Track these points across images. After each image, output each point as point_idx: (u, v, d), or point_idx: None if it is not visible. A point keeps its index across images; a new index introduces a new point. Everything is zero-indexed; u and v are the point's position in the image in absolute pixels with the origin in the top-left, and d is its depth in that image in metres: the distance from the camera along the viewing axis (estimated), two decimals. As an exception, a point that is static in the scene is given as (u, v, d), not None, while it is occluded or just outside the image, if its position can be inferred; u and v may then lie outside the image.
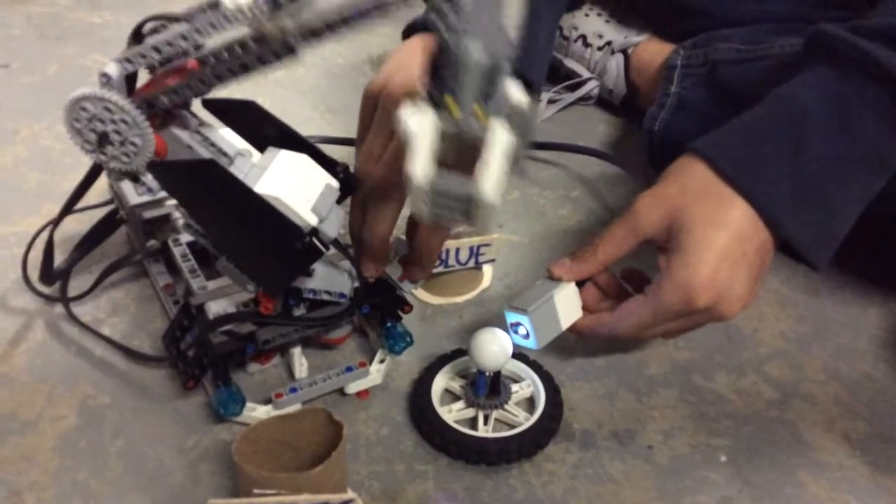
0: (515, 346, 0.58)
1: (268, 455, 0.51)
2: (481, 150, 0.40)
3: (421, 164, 0.40)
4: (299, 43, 0.44)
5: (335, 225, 0.53)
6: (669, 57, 0.83)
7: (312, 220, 0.51)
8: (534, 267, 0.75)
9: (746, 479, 0.57)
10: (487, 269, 0.73)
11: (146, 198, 0.65)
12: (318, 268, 0.57)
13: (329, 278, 0.57)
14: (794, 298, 0.72)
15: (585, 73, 0.96)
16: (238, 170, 0.51)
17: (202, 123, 0.51)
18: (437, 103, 0.41)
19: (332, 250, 0.54)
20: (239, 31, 0.46)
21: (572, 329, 0.60)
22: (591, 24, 0.97)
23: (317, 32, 0.44)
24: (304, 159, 0.53)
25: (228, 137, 0.52)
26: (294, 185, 0.51)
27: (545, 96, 0.96)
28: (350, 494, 0.47)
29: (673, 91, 0.82)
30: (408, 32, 0.70)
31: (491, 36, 0.39)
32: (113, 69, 0.47)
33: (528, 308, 0.56)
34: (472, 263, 0.68)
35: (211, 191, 0.50)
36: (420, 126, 0.40)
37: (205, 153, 0.50)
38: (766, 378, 0.65)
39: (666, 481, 0.56)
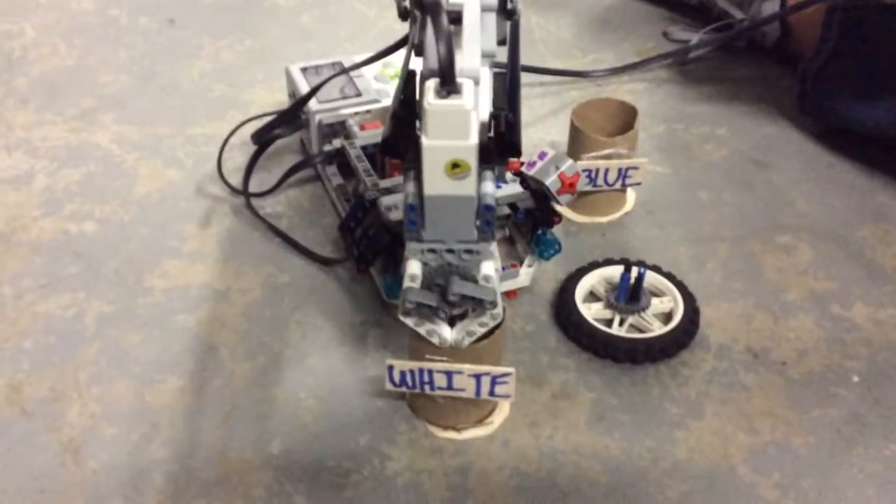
0: None
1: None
2: None
3: None
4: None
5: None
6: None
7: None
8: (675, 196, 0.77)
9: (878, 398, 0.59)
10: (631, 193, 0.77)
11: (326, 105, 0.72)
12: None
13: None
14: (941, 242, 0.73)
15: (738, 14, 0.97)
16: None
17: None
18: None
19: None
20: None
21: None
22: (748, -35, 0.97)
23: None
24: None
25: None
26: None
27: (695, 37, 0.97)
28: (508, 368, 0.52)
29: (831, 35, 0.82)
30: None
31: None
32: None
33: None
34: (618, 185, 0.72)
35: None
36: None
37: None
38: (906, 313, 0.66)
39: (798, 394, 0.59)
